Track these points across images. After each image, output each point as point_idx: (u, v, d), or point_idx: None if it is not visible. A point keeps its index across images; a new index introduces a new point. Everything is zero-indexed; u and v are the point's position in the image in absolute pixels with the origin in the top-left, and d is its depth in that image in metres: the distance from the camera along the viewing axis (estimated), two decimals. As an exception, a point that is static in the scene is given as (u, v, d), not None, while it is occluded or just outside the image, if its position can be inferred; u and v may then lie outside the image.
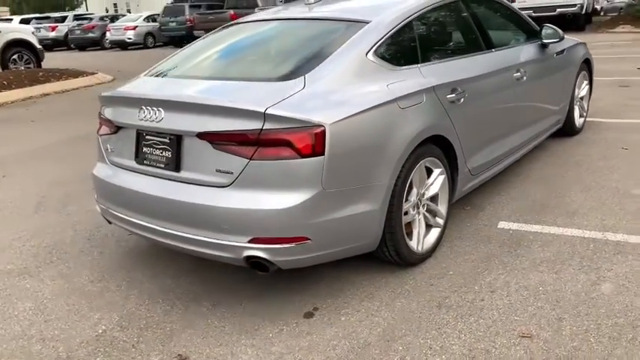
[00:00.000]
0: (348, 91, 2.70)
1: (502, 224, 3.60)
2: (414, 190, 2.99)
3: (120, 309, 2.94)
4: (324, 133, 2.46)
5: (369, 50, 2.88)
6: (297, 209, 2.47)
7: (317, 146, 2.45)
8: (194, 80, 2.97)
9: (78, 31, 27.72)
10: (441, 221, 3.25)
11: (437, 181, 3.16)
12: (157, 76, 3.27)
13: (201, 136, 2.57)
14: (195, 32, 22.90)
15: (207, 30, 21.99)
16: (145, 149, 2.86)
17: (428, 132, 2.97)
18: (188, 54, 3.47)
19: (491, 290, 2.85)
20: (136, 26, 25.86)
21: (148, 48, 25.61)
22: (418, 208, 3.07)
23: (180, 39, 25.13)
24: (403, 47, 3.14)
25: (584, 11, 17.86)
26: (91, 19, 28.96)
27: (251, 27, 3.54)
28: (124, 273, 3.33)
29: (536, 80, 4.21)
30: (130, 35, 25.64)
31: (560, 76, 4.73)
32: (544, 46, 4.44)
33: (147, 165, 2.85)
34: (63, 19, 30.53)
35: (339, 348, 2.49)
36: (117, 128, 3.01)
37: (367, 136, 2.67)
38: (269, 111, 2.43)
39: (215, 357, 2.49)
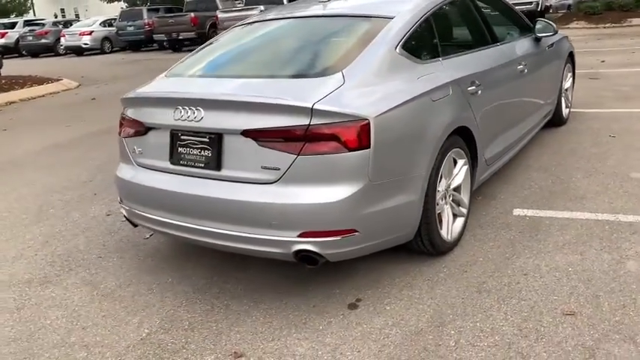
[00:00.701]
0: (384, 85, 2.76)
1: (517, 211, 3.73)
2: (443, 181, 3.08)
3: (158, 311, 2.91)
4: (368, 126, 2.51)
5: (397, 45, 2.95)
6: (345, 202, 2.51)
7: (363, 139, 2.50)
8: (230, 79, 2.96)
9: (30, 37, 26.78)
10: (464, 210, 3.35)
11: (461, 172, 3.25)
12: (182, 76, 3.24)
13: (247, 133, 2.58)
14: (155, 36, 22.54)
15: (168, 34, 21.84)
16: (180, 149, 2.84)
17: (456, 123, 3.06)
18: (209, 54, 3.46)
19: (524, 273, 2.96)
20: (92, 31, 25.19)
21: (105, 53, 25.00)
22: (446, 198, 3.16)
23: (139, 43, 24.69)
24: (425, 42, 3.22)
25: (539, 8, 18.52)
26: (43, 24, 28.04)
27: (270, 25, 3.55)
28: (151, 276, 3.29)
29: (534, 73, 4.38)
30: (86, 40, 24.96)
31: (552, 69, 4.93)
32: (537, 39, 4.61)
33: (183, 165, 2.84)
34: (12, 26, 29.45)
35: (392, 336, 2.54)
36: (146, 129, 2.97)
37: (406, 128, 2.74)
38: (316, 106, 2.47)
39: (271, 352, 2.51)
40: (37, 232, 4.11)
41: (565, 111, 5.63)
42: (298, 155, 2.50)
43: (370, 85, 2.70)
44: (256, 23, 3.62)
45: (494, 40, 3.94)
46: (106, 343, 2.68)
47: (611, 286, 2.76)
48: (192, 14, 21.34)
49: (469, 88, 3.27)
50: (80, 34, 25.08)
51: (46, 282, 3.34)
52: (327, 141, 2.48)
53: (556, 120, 5.41)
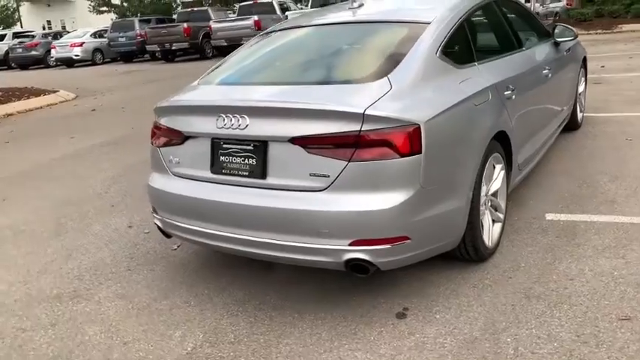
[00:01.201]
0: (428, 90, 2.73)
1: (549, 216, 3.70)
2: (484, 187, 3.05)
3: (200, 325, 2.84)
4: (419, 131, 2.48)
5: (437, 50, 2.93)
6: (398, 209, 2.47)
7: (415, 145, 2.47)
8: (272, 86, 2.92)
9: (20, 50, 26.57)
10: (501, 216, 3.33)
11: (499, 177, 3.23)
12: (219, 84, 3.19)
13: (295, 140, 2.53)
14: (148, 47, 22.45)
15: (160, 44, 21.75)
16: (222, 158, 2.78)
17: (496, 128, 3.04)
18: (242, 61, 3.41)
19: (570, 278, 2.93)
20: (83, 42, 25.05)
21: (97, 64, 24.85)
22: (486, 203, 3.13)
23: (131, 54, 24.57)
24: (461, 46, 3.20)
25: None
26: (33, 36, 27.79)
27: (303, 32, 3.51)
28: (186, 289, 3.22)
29: (556, 77, 4.38)
30: (77, 52, 24.80)
31: (570, 73, 4.94)
32: (557, 44, 4.62)
33: (226, 174, 2.78)
34: (1, 38, 29.20)
35: (448, 344, 2.49)
36: (184, 138, 2.91)
37: (453, 133, 2.72)
38: (368, 112, 2.43)
39: (325, 364, 2.45)
40: (58, 246, 4.01)
41: (579, 115, 5.65)
42: (349, 162, 2.45)
43: (416, 90, 2.67)
44: (287, 30, 3.57)
45: (520, 44, 3.94)
46: (151, 358, 2.61)
47: (662, 290, 2.74)
48: (185, 25, 21.30)
49: (505, 93, 3.25)
50: (71, 46, 24.92)
51: (76, 296, 3.25)
52: (378, 147, 2.44)
53: (572, 124, 5.42)
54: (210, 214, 2.82)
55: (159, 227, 3.19)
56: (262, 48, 3.52)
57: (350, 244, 2.50)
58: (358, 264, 2.54)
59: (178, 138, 2.94)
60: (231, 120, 2.68)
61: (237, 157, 2.74)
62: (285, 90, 2.81)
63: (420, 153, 2.48)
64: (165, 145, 3.03)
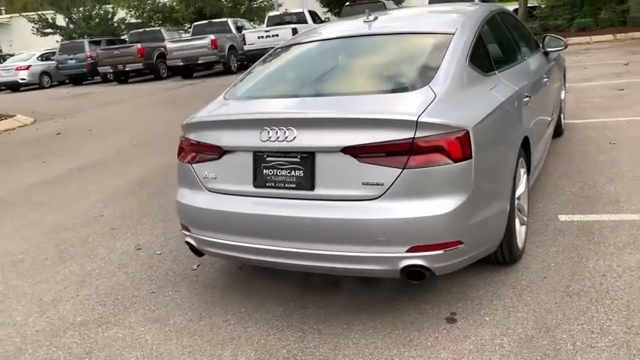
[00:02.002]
0: (467, 97, 2.80)
1: (562, 217, 3.84)
2: (517, 189, 3.13)
3: (248, 342, 2.78)
4: (469, 136, 2.53)
5: (467, 59, 3.01)
6: (453, 214, 2.51)
7: (466, 150, 2.52)
8: (316, 98, 2.92)
9: (-41, 75, 25.34)
10: (525, 218, 3.42)
11: (523, 180, 3.32)
12: (255, 97, 3.15)
13: (347, 150, 2.53)
14: (100, 69, 21.91)
15: (113, 65, 21.30)
16: (266, 171, 2.75)
17: (524, 133, 3.15)
18: (271, 74, 3.40)
19: (602, 274, 3.04)
20: (29, 65, 24.14)
21: (44, 88, 23.98)
22: (516, 206, 3.21)
23: (81, 77, 23.90)
24: (482, 56, 3.30)
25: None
26: (-27, 61, 26.62)
27: (329, 45, 3.51)
28: (221, 308, 3.14)
29: (551, 84, 4.58)
30: (23, 75, 23.86)
31: (557, 81, 5.16)
32: (546, 54, 4.83)
33: (270, 187, 2.75)
34: (-63, 63, 27.79)
35: (507, 345, 2.53)
36: (221, 153, 2.87)
37: (495, 138, 2.79)
38: (421, 119, 2.47)
39: (390, 372, 2.44)
40: (66, 273, 3.84)
41: (563, 121, 5.89)
42: (404, 169, 2.48)
43: (457, 98, 2.74)
44: (309, 43, 3.58)
45: (523, 54, 4.10)
46: (207, 379, 2.53)
47: (692, 280, 2.88)
48: (139, 45, 20.94)
49: (524, 100, 3.37)
50: (16, 69, 23.97)
51: (104, 322, 3.12)
52: (431, 153, 2.48)
53: (557, 130, 5.65)
54: (255, 228, 2.78)
55: (191, 246, 3.11)
56: (288, 61, 3.52)
57: (407, 251, 2.52)
58: (415, 270, 2.56)
59: (215, 153, 2.89)
60: (276, 132, 2.66)
61: (282, 169, 2.71)
62: (331, 101, 2.82)
63: (471, 158, 2.53)
64: (200, 161, 2.97)
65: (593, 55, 13.74)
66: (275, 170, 2.73)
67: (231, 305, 3.15)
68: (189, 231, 3.07)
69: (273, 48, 3.75)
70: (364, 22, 3.53)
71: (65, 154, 8.09)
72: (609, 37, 17.80)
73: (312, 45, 3.55)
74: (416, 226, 2.50)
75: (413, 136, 2.47)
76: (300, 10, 21.03)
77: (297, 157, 2.67)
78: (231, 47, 20.28)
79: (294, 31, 18.65)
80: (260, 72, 3.47)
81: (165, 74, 21.48)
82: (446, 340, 2.62)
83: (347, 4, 20.42)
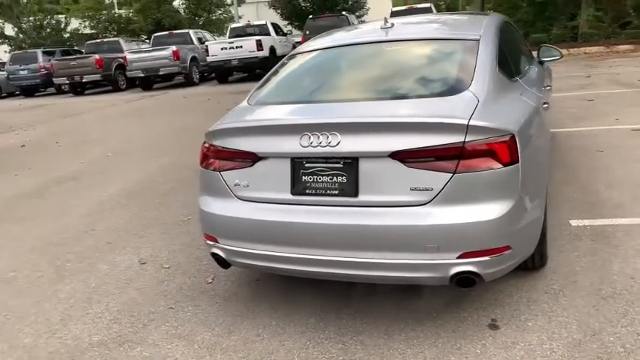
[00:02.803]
0: (505, 102, 2.80)
1: (574, 222, 3.89)
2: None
3: (288, 356, 2.67)
4: (515, 140, 2.53)
5: (496, 64, 3.02)
6: (504, 218, 2.49)
7: (514, 154, 2.50)
8: (355, 103, 2.85)
9: None
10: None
11: (545, 185, 3.35)
12: (287, 102, 3.04)
13: (396, 155, 2.48)
14: (55, 80, 21.14)
15: (70, 77, 20.64)
16: (305, 178, 2.66)
17: (549, 136, 3.17)
18: (297, 79, 3.32)
19: (631, 277, 3.08)
20: (-23, 77, 23.09)
21: (-7, 99, 22.98)
22: (544, 211, 3.23)
23: (34, 88, 22.98)
24: (505, 62, 3.31)
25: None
26: None
27: (354, 50, 3.43)
28: (249, 322, 3.01)
29: (551, 92, 4.67)
30: (-30, 87, 22.81)
31: (550, 89, 5.28)
32: (541, 62, 4.94)
33: (310, 195, 2.66)
34: None
35: (557, 350, 2.52)
36: (255, 160, 2.76)
37: (534, 142, 2.80)
38: (471, 122, 2.44)
39: (447, 382, 2.38)
40: (69, 290, 3.61)
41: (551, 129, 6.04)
42: (454, 174, 2.44)
43: (496, 102, 2.73)
44: (331, 49, 3.50)
45: (529, 62, 4.17)
46: (254, 397, 2.40)
47: None
48: (97, 56, 20.34)
49: (544, 105, 3.41)
50: (-38, 81, 22.87)
51: (125, 341, 2.94)
52: (482, 157, 2.45)
53: (546, 138, 5.77)
54: (293, 237, 2.68)
55: (218, 257, 2.97)
56: (313, 66, 3.44)
57: (458, 257, 2.47)
58: (465, 277, 2.51)
59: (248, 160, 2.78)
60: (318, 138, 2.58)
61: (323, 175, 2.63)
62: (372, 106, 2.76)
63: (518, 162, 2.52)
64: (230, 168, 2.85)
65: (553, 69, 14.22)
66: (315, 177, 2.65)
67: (259, 318, 3.03)
68: (216, 241, 2.94)
69: (237, 59, 3.68)
70: (381, 28, 3.51)
71: (36, 166, 7.70)
72: (564, 51, 18.51)
73: (335, 51, 3.48)
74: (467, 231, 2.46)
75: (464, 140, 2.44)
76: (263, 22, 20.95)
77: (339, 163, 2.60)
78: (193, 58, 19.98)
79: (259, 43, 18.58)
80: (283, 78, 3.39)
81: (124, 85, 20.94)
82: (494, 347, 2.58)
83: (310, 17, 20.51)
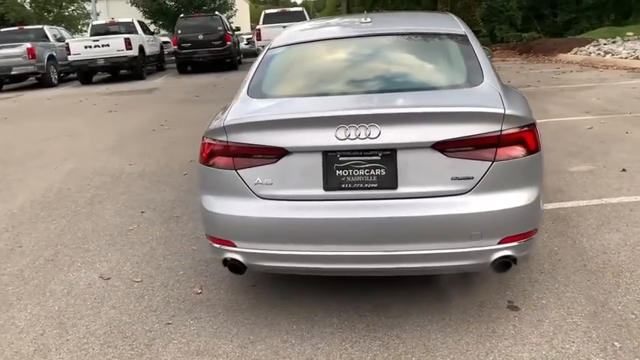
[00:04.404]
0: (509, 93, 2.93)
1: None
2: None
3: (330, 358, 2.55)
4: (536, 128, 2.67)
5: (489, 57, 3.17)
6: (535, 203, 2.62)
7: (538, 142, 2.65)
8: (387, 94, 2.79)
9: None
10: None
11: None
12: (309, 94, 2.90)
13: (437, 145, 2.49)
14: None
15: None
16: (339, 172, 2.56)
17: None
18: (301, 73, 3.19)
19: (604, 252, 3.41)
20: None
21: None
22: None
23: None
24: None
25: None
26: None
27: (349, 42, 3.32)
28: (268, 329, 2.83)
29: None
30: None
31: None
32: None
33: (345, 189, 2.57)
34: None
35: (581, 322, 2.71)
36: (279, 156, 2.60)
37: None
38: (507, 112, 2.53)
39: (502, 364, 2.45)
40: (27, 317, 3.11)
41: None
42: (493, 162, 2.52)
43: (507, 93, 2.85)
44: (328, 41, 3.37)
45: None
46: (318, 405, 2.26)
47: (674, 249, 3.40)
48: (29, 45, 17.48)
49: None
50: None
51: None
52: (514, 145, 2.56)
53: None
54: (329, 234, 2.57)
55: (232, 263, 2.75)
56: (316, 58, 3.30)
57: (499, 242, 2.55)
58: (504, 261, 2.60)
59: (272, 156, 2.61)
60: (356, 130, 2.50)
61: (359, 169, 2.56)
62: (405, 96, 2.73)
63: (540, 150, 2.67)
64: (249, 165, 2.65)
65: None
66: (351, 170, 2.56)
67: (277, 324, 2.86)
68: (232, 245, 2.72)
69: (103, 58, 3.48)
70: (361, 23, 3.49)
71: None
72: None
73: (334, 43, 3.36)
74: (507, 217, 2.55)
75: (500, 128, 2.52)
76: (129, 20, 19.76)
77: (377, 155, 2.54)
78: (51, 57, 18.16)
79: (127, 42, 17.49)
80: (286, 70, 3.24)
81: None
82: (525, 327, 2.71)
83: (182, 16, 19.78)
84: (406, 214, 2.52)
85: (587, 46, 15.39)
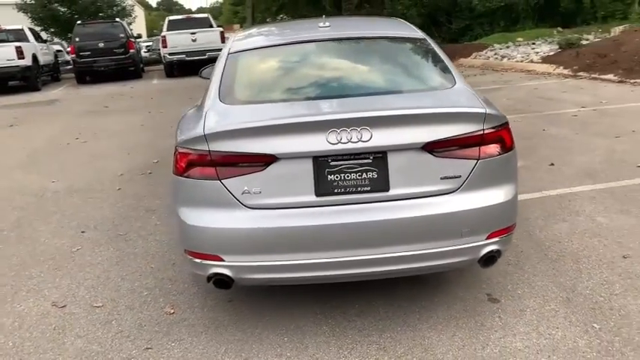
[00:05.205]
0: (478, 94, 3.05)
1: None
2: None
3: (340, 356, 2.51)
4: (509, 127, 2.80)
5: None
6: (514, 198, 2.73)
7: (512, 140, 2.77)
8: (375, 96, 2.79)
9: None
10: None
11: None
12: (281, 100, 2.83)
13: (428, 146, 2.52)
14: None
15: None
16: (331, 177, 2.52)
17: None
18: (276, 77, 3.11)
19: (557, 241, 3.63)
20: None
21: None
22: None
23: None
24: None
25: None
26: None
27: (318, 47, 3.22)
28: (258, 344, 2.73)
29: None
30: None
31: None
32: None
33: (338, 194, 2.53)
34: None
35: (559, 309, 2.86)
36: (267, 163, 2.51)
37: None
38: (487, 111, 2.62)
39: (513, 350, 2.52)
40: (3, 349, 2.77)
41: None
42: (478, 160, 2.60)
43: (479, 95, 2.95)
44: (295, 45, 3.25)
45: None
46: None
47: None
48: None
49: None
50: None
51: (123, 398, 2.39)
52: (494, 144, 2.65)
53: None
54: (322, 241, 2.53)
55: (219, 278, 2.62)
56: (287, 62, 3.19)
57: (487, 238, 2.63)
58: (491, 256, 2.68)
59: (259, 164, 2.52)
60: (348, 133, 2.48)
61: (351, 173, 2.54)
62: (394, 98, 2.75)
63: (514, 147, 2.79)
64: (235, 175, 2.54)
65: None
66: (342, 175, 2.53)
67: (267, 339, 2.76)
68: (220, 260, 2.59)
69: None
70: (320, 27, 3.47)
71: None
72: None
73: (301, 47, 3.26)
74: (493, 213, 2.64)
75: (483, 127, 2.60)
76: (19, 27, 18.33)
77: (369, 158, 2.53)
78: None
79: (19, 51, 16.23)
80: (259, 75, 3.15)
81: None
82: (510, 317, 2.81)
83: (79, 22, 18.67)
84: (400, 216, 2.54)
85: (484, 51, 16.40)
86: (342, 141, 2.48)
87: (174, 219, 2.94)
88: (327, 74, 3.13)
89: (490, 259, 2.71)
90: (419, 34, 3.42)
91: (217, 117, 2.71)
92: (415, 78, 3.10)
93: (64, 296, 3.31)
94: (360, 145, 2.49)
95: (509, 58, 14.65)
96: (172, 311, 3.06)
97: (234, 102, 2.86)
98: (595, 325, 2.70)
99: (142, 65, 20.73)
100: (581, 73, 11.42)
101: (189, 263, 2.76)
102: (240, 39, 3.61)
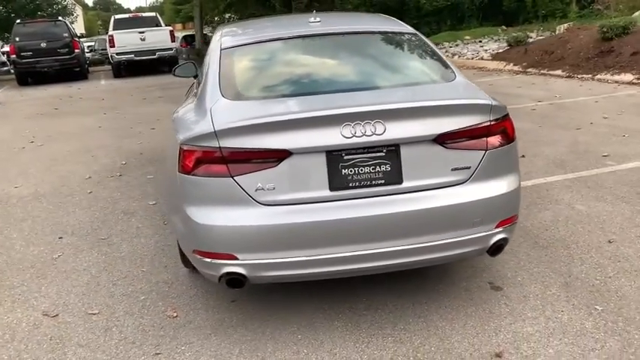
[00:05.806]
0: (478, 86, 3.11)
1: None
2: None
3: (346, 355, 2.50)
4: (511, 118, 2.87)
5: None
6: (519, 187, 2.81)
7: (514, 130, 2.84)
8: (384, 90, 2.80)
9: None
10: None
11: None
12: (290, 95, 2.80)
13: (439, 138, 2.55)
14: None
15: None
16: (345, 171, 2.51)
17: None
18: (279, 72, 3.05)
19: (545, 229, 3.76)
20: None
21: None
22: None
23: None
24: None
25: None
26: None
27: (316, 42, 3.19)
28: (272, 342, 2.69)
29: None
30: None
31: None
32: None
33: (352, 188, 2.52)
34: None
35: (560, 294, 2.96)
36: (280, 159, 2.47)
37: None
38: (493, 103, 2.68)
39: (521, 339, 2.59)
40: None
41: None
42: (486, 151, 2.65)
43: (480, 87, 3.02)
44: (291, 40, 3.20)
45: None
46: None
47: None
48: None
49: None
50: None
51: (141, 405, 2.30)
52: (499, 134, 2.71)
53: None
54: (337, 235, 2.51)
55: (232, 278, 2.56)
56: (286, 57, 3.15)
57: (496, 227, 2.69)
58: (499, 245, 2.74)
59: (273, 159, 2.48)
60: (362, 127, 2.47)
61: (364, 166, 2.53)
62: (405, 91, 2.77)
63: (516, 138, 2.86)
64: (247, 171, 2.48)
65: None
66: (356, 169, 2.53)
67: (280, 337, 2.72)
68: (234, 259, 2.53)
69: None
70: (310, 22, 3.45)
71: None
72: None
73: (298, 42, 3.20)
74: (501, 202, 2.70)
75: (489, 118, 2.66)
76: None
77: (382, 152, 2.54)
78: None
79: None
80: (260, 70, 3.09)
81: None
82: (516, 304, 2.89)
83: (18, 22, 17.80)
84: (414, 208, 2.55)
85: (435, 49, 16.79)
86: (356, 134, 2.47)
87: (175, 219, 2.86)
88: (331, 68, 3.12)
89: (498, 247, 2.76)
90: (408, 29, 3.46)
91: (226, 113, 2.65)
92: (418, 71, 3.13)
93: (55, 305, 3.15)
94: (374, 138, 2.49)
95: (459, 56, 15.04)
96: (175, 314, 2.97)
97: (239, 98, 2.80)
98: (597, 307, 2.81)
99: (87, 66, 20.03)
100: (530, 70, 11.87)
101: (197, 264, 2.69)
102: (229, 35, 3.54)
